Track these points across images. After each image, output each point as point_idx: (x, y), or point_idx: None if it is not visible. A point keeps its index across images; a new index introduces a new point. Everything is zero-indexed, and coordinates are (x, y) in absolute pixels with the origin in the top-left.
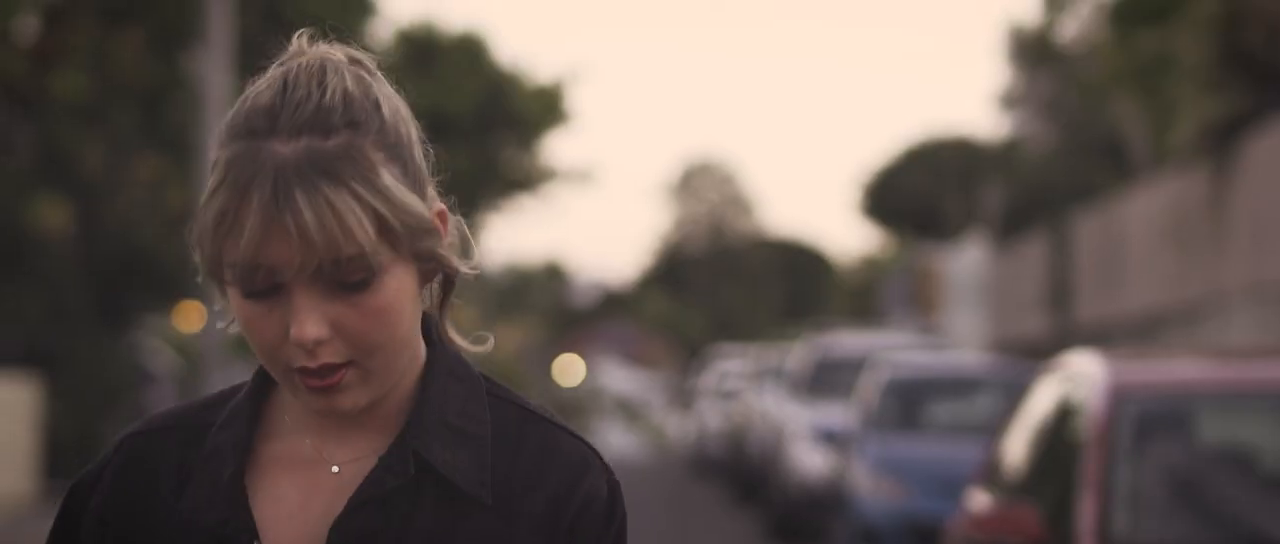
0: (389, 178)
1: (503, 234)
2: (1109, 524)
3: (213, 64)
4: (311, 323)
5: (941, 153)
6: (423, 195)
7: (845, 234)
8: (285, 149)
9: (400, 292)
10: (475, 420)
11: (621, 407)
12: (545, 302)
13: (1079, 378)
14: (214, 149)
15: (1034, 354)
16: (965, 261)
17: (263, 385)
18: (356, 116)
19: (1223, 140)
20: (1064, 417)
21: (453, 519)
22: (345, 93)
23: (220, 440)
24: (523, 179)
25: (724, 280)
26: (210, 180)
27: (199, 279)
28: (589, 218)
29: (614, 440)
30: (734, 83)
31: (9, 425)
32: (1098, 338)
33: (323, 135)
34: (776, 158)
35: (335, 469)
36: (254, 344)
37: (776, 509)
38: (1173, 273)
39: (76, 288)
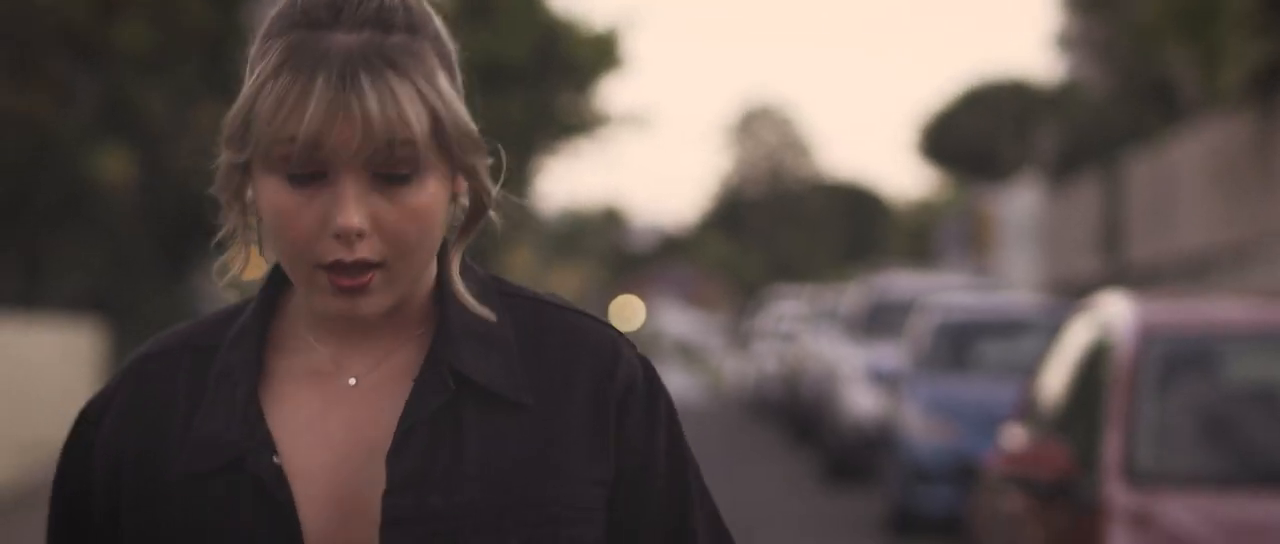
0: (444, 82)
1: (560, 178)
2: (1134, 458)
3: None
4: (357, 212)
5: (998, 95)
6: None
7: (903, 176)
8: (349, 39)
9: (437, 198)
10: (497, 323)
11: (680, 349)
12: (603, 245)
13: (1110, 318)
14: (260, 40)
15: (1086, 295)
16: (1020, 204)
17: (271, 301)
18: (416, 21)
19: (1268, 85)
20: (1095, 356)
21: (501, 426)
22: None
23: (231, 359)
24: (578, 124)
25: (782, 223)
26: (262, 67)
27: (212, 188)
28: (648, 162)
29: (673, 382)
30: (792, 26)
31: (73, 371)
32: (1149, 279)
33: (385, 31)
34: (835, 101)
35: (352, 381)
36: (285, 239)
37: (831, 450)
38: (1221, 215)
39: (140, 235)
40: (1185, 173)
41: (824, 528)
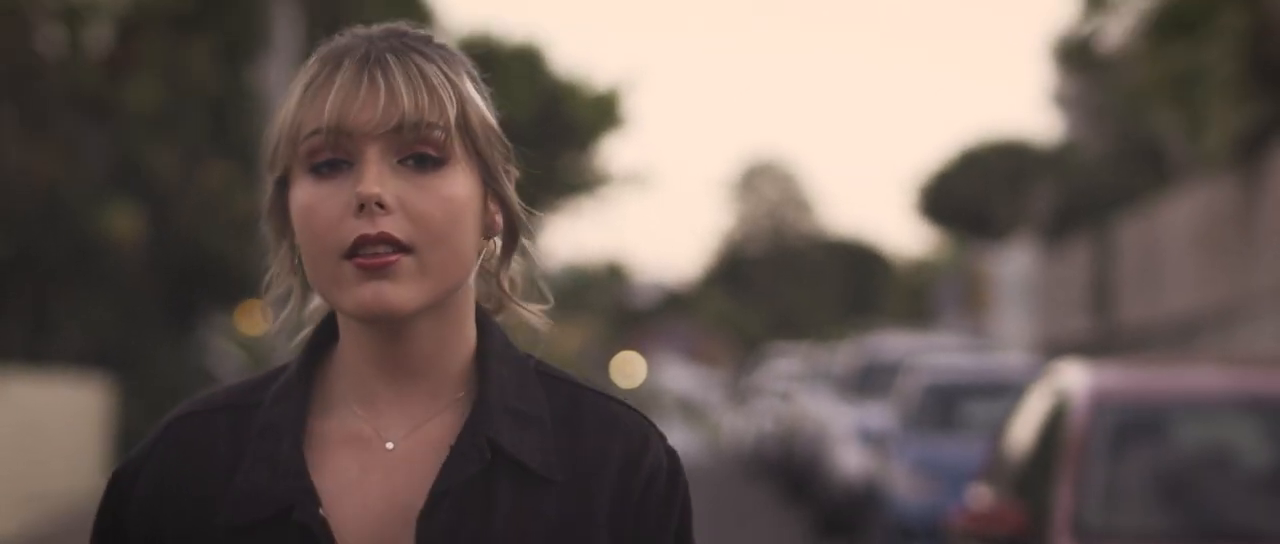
0: (472, 87)
1: (563, 235)
2: (1082, 515)
3: (278, 74)
4: (379, 182)
5: (995, 155)
6: None
7: (904, 233)
8: (380, 37)
9: (467, 194)
10: (534, 401)
11: (681, 405)
12: (605, 301)
13: (1067, 385)
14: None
15: (1078, 355)
16: (1015, 263)
17: (311, 363)
18: (449, 55)
19: (1251, 150)
20: (1053, 420)
21: (531, 501)
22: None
23: (272, 416)
24: (580, 184)
25: (784, 279)
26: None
27: (261, 227)
28: (650, 218)
29: (674, 439)
30: (793, 84)
31: (81, 425)
32: (1138, 340)
33: (416, 41)
34: (837, 158)
35: (390, 445)
36: (310, 233)
37: (822, 507)
38: (1206, 277)
39: (147, 291)
40: (1173, 235)
41: None
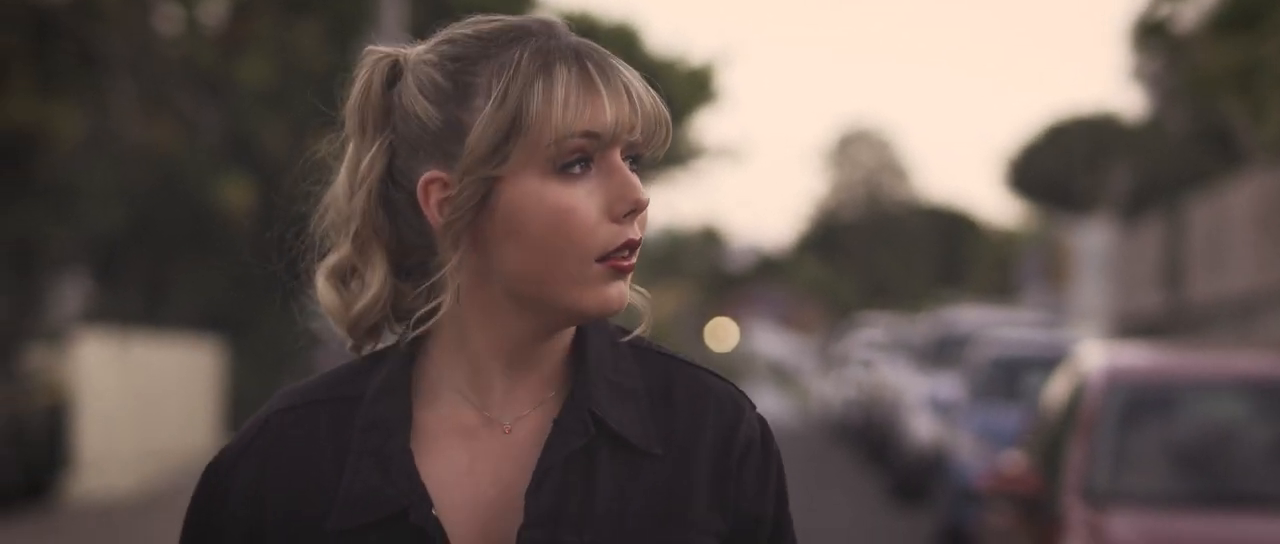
0: None
1: (661, 200)
2: (1091, 480)
3: None
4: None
5: (1080, 130)
6: None
7: (995, 205)
8: (574, 39)
9: None
10: (629, 374)
11: (773, 371)
12: (700, 265)
13: (1088, 364)
14: (455, 71)
15: (1149, 331)
16: (1094, 238)
17: (411, 353)
18: None
19: None
20: (1073, 395)
21: (630, 474)
22: None
23: (378, 412)
24: (675, 157)
25: (878, 246)
26: (505, 79)
27: (444, 218)
28: (746, 184)
29: (765, 404)
30: (888, 56)
31: (195, 385)
32: (1205, 317)
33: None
34: (932, 128)
35: (507, 427)
36: (564, 237)
37: (895, 472)
38: (1267, 260)
39: (257, 258)
40: (1237, 217)
41: (883, 543)
